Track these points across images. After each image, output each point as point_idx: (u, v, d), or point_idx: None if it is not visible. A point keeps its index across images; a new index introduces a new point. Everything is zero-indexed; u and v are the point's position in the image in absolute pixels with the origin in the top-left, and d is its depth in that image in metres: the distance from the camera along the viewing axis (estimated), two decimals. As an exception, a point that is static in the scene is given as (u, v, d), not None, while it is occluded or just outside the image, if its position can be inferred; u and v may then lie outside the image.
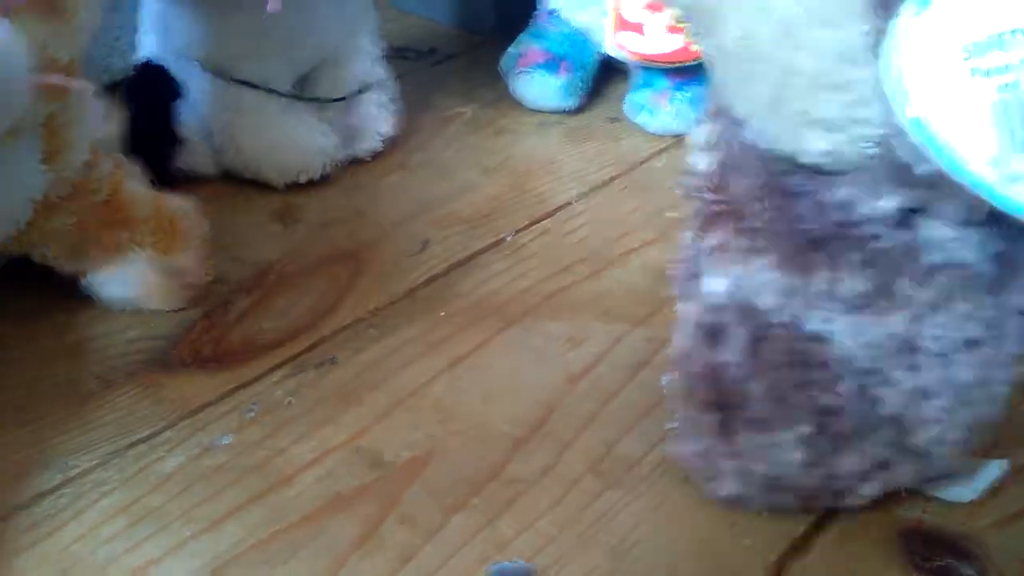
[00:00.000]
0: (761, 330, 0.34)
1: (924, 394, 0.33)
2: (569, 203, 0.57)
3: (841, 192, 0.32)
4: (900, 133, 0.26)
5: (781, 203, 0.34)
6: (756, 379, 0.34)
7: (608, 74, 0.69)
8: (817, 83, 0.28)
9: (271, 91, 0.58)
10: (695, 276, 0.38)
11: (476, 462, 0.40)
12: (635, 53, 0.64)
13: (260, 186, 0.57)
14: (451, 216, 0.56)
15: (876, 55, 0.26)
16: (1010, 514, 0.37)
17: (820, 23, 0.27)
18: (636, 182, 0.59)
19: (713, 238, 0.36)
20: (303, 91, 0.61)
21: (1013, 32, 0.23)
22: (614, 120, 0.66)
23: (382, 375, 0.44)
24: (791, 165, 0.33)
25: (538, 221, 0.55)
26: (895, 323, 0.32)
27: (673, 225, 0.54)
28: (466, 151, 0.63)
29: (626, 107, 0.66)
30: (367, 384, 0.44)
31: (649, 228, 0.54)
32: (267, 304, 0.49)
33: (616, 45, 0.64)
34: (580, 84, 0.66)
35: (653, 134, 0.63)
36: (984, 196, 0.24)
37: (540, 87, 0.66)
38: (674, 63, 0.63)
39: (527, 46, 0.67)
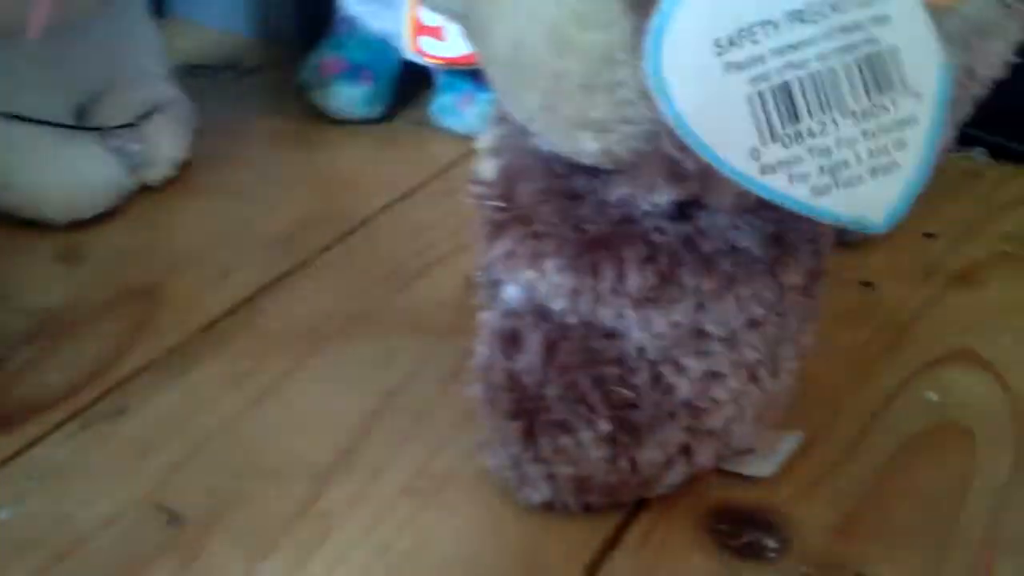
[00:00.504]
0: (556, 332, 0.34)
1: (714, 377, 0.34)
2: (376, 215, 0.55)
3: (620, 191, 0.33)
4: (667, 130, 0.26)
5: (565, 205, 0.34)
6: (553, 382, 0.34)
7: (414, 79, 0.67)
8: (586, 86, 0.28)
9: (46, 122, 0.54)
10: (494, 284, 0.38)
11: (283, 500, 0.38)
12: (436, 57, 0.63)
13: (39, 226, 0.53)
14: (253, 240, 0.53)
15: (638, 54, 0.26)
16: (809, 484, 0.38)
17: (586, 27, 0.27)
18: (445, 188, 0.58)
19: (502, 245, 0.35)
20: (84, 120, 0.57)
21: (763, 24, 0.23)
22: (422, 125, 0.65)
23: (180, 420, 0.42)
24: (571, 167, 0.33)
25: (345, 237, 0.54)
26: (681, 312, 0.33)
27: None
28: (269, 169, 0.60)
29: (432, 112, 0.65)
30: (163, 432, 0.41)
31: (460, 234, 0.54)
32: (50, 355, 0.45)
33: (416, 50, 0.63)
34: (384, 92, 0.65)
35: (460, 137, 0.63)
36: (747, 186, 0.24)
37: (342, 97, 0.64)
38: (476, 65, 0.62)
39: (326, 56, 0.65)
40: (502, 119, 0.38)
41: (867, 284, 0.48)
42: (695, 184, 0.29)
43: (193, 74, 0.72)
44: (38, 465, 0.40)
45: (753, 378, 0.34)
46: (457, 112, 0.63)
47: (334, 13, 0.68)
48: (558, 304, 0.34)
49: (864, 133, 0.23)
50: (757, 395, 0.35)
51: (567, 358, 0.34)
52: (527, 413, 0.35)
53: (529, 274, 0.34)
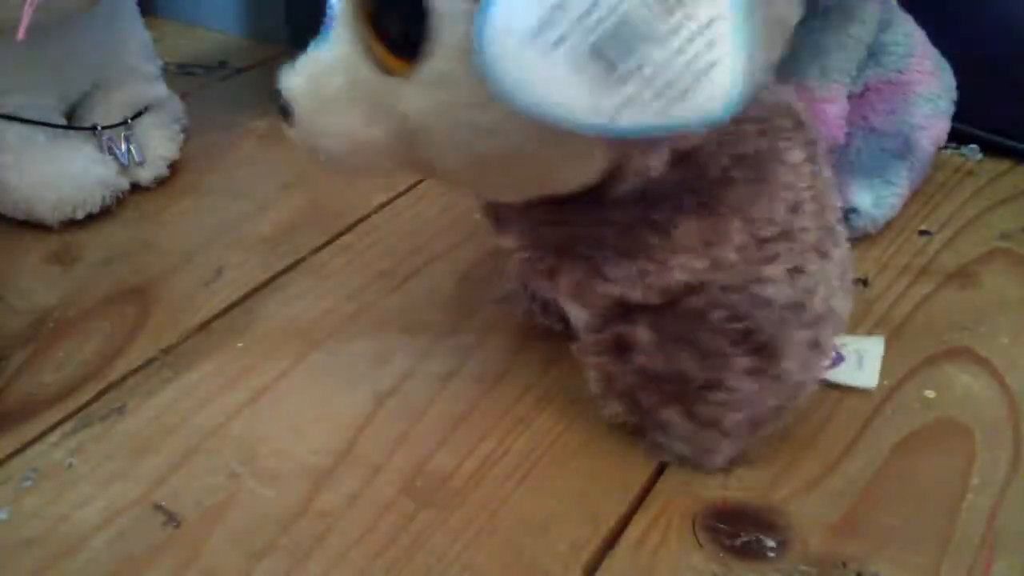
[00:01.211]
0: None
1: (796, 271, 0.36)
2: (371, 214, 0.55)
3: (620, 188, 0.34)
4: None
5: None
6: (683, 352, 0.37)
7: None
8: (536, 142, 0.30)
9: (37, 122, 0.54)
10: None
11: (282, 500, 0.38)
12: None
13: (33, 226, 0.53)
14: (247, 239, 0.53)
15: None
16: (807, 482, 0.38)
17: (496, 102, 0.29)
18: (440, 186, 0.58)
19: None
20: (75, 120, 0.57)
21: (555, 7, 0.25)
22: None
23: (177, 419, 0.42)
24: None
25: (339, 236, 0.53)
26: (737, 235, 0.35)
27: (479, 227, 0.54)
28: (262, 168, 0.60)
29: (425, 109, 0.65)
30: (160, 431, 0.41)
31: (454, 231, 0.53)
32: (46, 355, 0.45)
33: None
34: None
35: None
36: (608, 134, 0.27)
37: (334, 96, 0.63)
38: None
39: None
40: None
41: (862, 282, 0.49)
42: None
43: (183, 74, 0.72)
44: (35, 465, 0.39)
45: (820, 252, 0.36)
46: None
47: (324, 11, 0.67)
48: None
49: (675, 51, 0.26)
50: (832, 267, 0.36)
51: (684, 327, 0.36)
52: (676, 396, 0.36)
53: None
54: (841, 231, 0.38)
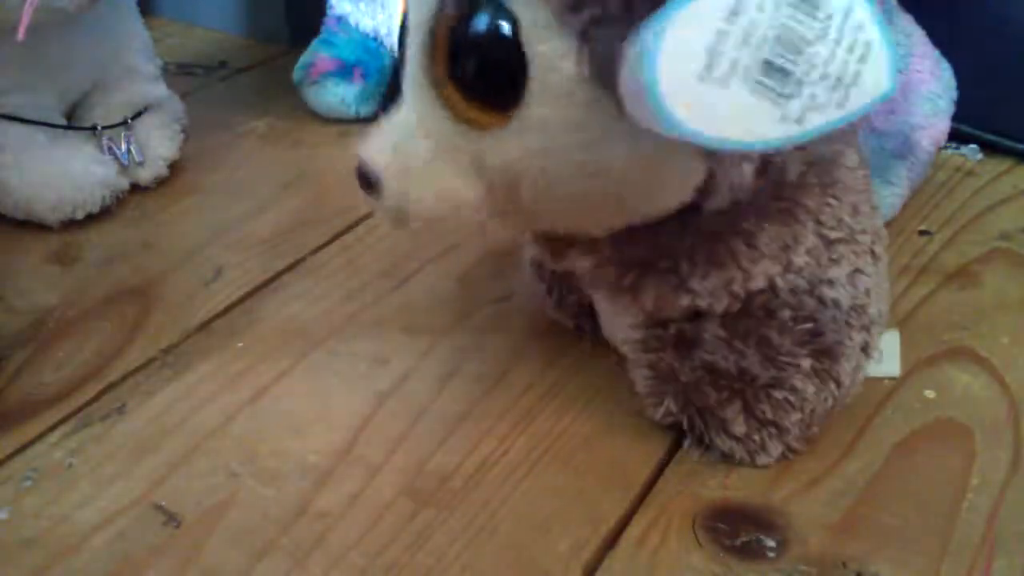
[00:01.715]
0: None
1: (857, 272, 0.37)
2: (370, 214, 0.55)
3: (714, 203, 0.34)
4: None
5: None
6: (749, 352, 0.37)
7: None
8: (643, 174, 0.31)
9: (37, 122, 0.54)
10: None
11: (282, 500, 0.38)
12: (428, 54, 0.63)
13: (33, 226, 0.53)
14: (247, 239, 0.53)
15: None
16: (808, 481, 0.38)
17: (606, 141, 0.29)
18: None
19: None
20: (75, 119, 0.57)
21: (718, 36, 0.25)
22: (415, 123, 0.64)
23: (177, 419, 0.42)
24: None
25: (339, 236, 0.53)
26: (810, 238, 0.36)
27: (482, 228, 0.54)
28: (261, 168, 0.60)
29: (425, 109, 0.65)
30: (160, 431, 0.41)
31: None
32: (46, 355, 0.45)
33: (408, 48, 0.63)
34: (376, 90, 0.65)
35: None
36: (798, 142, 0.27)
37: (334, 96, 0.64)
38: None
39: (317, 55, 0.65)
40: None
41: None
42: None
43: (183, 73, 0.72)
44: (35, 465, 0.39)
45: (874, 255, 0.37)
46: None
47: (324, 11, 0.67)
48: None
49: (835, 42, 0.26)
50: (881, 268, 0.38)
51: (752, 326, 0.36)
52: (739, 394, 0.37)
53: None
54: (885, 234, 0.39)
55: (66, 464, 0.39)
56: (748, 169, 0.32)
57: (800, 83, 0.26)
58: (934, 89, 0.53)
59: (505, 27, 0.29)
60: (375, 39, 0.65)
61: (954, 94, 0.54)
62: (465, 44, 0.30)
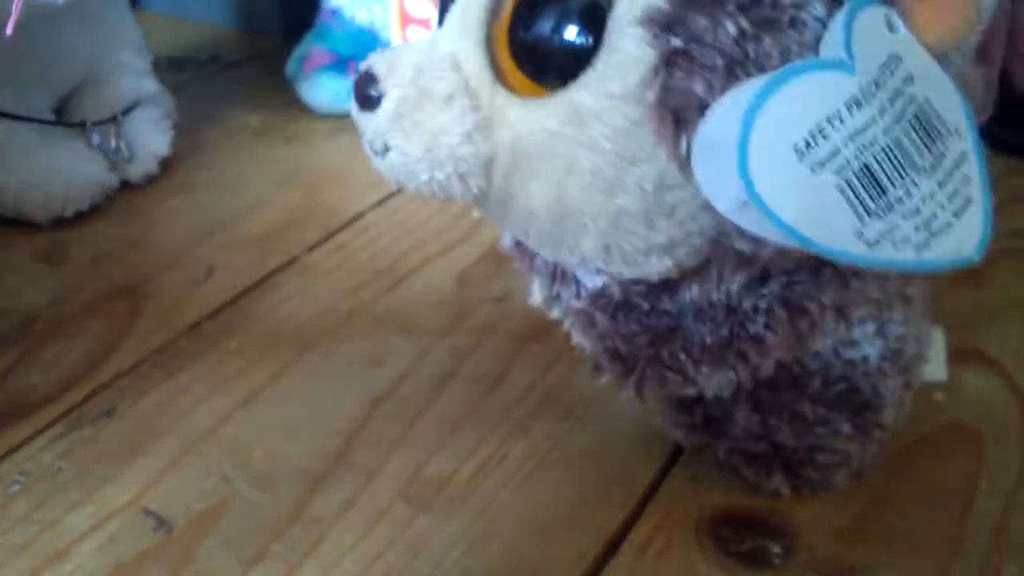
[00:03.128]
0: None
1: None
2: (365, 212, 0.54)
3: (689, 294, 0.32)
4: (735, 231, 0.27)
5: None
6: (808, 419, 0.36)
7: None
8: (646, 218, 0.28)
9: (24, 118, 0.53)
10: None
11: (275, 505, 0.37)
12: (424, 49, 0.62)
13: (21, 225, 0.52)
14: (239, 237, 0.52)
15: (687, 173, 0.26)
16: (814, 487, 0.37)
17: (630, 163, 0.27)
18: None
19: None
20: (64, 115, 0.56)
21: (829, 119, 0.24)
22: (411, 119, 0.64)
23: (168, 421, 0.41)
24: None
25: (333, 234, 0.52)
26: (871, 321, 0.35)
27: (477, 226, 0.53)
28: (254, 164, 0.59)
29: (421, 105, 0.64)
30: (151, 433, 0.40)
31: (452, 230, 0.53)
32: (35, 356, 0.44)
33: (404, 42, 0.62)
34: (371, 85, 0.64)
35: (451, 131, 0.62)
36: (858, 264, 0.25)
37: (328, 90, 0.63)
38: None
39: (311, 48, 0.64)
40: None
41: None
42: (769, 261, 0.30)
43: (174, 68, 0.71)
44: (23, 469, 0.38)
45: (904, 299, 0.35)
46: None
47: (318, 4, 0.66)
48: None
49: (938, 184, 0.25)
50: (915, 306, 0.36)
51: (781, 402, 0.35)
52: (781, 465, 0.36)
53: None
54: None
55: (55, 468, 0.38)
56: (741, 277, 0.30)
57: (889, 207, 0.24)
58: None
59: (597, 7, 0.26)
60: (370, 32, 0.64)
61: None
62: (541, 10, 0.27)
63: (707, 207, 0.27)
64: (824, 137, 0.23)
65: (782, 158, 0.23)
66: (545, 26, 0.27)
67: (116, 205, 0.55)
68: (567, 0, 0.27)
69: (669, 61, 0.25)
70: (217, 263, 0.50)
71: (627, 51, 0.26)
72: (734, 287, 0.31)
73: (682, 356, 0.32)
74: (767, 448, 0.36)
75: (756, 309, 0.31)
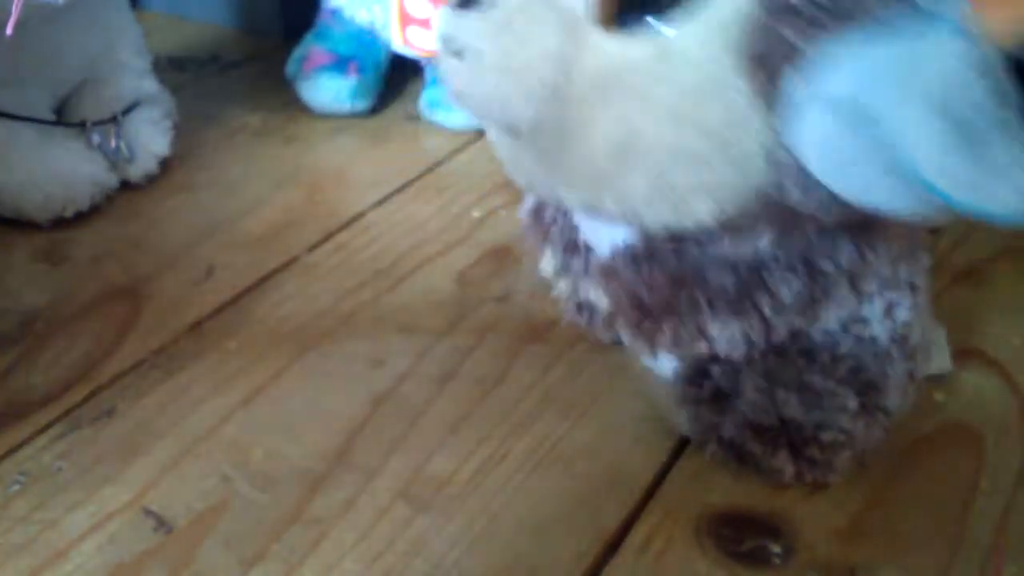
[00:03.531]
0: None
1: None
2: (365, 212, 0.54)
3: (723, 245, 0.32)
4: (794, 180, 0.28)
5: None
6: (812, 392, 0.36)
7: (403, 72, 0.66)
8: (709, 155, 0.28)
9: (24, 118, 0.53)
10: None
11: (275, 505, 0.37)
12: (424, 49, 0.62)
13: (21, 225, 0.52)
14: (239, 237, 0.52)
15: (763, 119, 0.27)
16: (814, 485, 0.37)
17: (704, 101, 0.27)
18: (437, 183, 0.57)
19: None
20: (64, 115, 0.56)
21: (957, 77, 0.24)
22: (412, 120, 0.64)
23: (168, 421, 0.41)
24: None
25: (333, 234, 0.52)
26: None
27: (477, 225, 0.53)
28: (254, 165, 0.59)
29: (422, 105, 0.64)
30: (151, 433, 0.40)
31: (452, 230, 0.53)
32: (35, 356, 0.44)
33: (404, 42, 0.62)
34: (371, 84, 0.64)
35: (452, 131, 0.62)
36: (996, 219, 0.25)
37: (328, 90, 0.63)
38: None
39: (311, 48, 0.64)
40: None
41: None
42: (807, 219, 0.30)
43: (174, 68, 0.71)
44: (23, 469, 0.38)
45: (912, 288, 0.36)
46: (446, 105, 0.62)
47: (318, 4, 0.66)
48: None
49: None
50: (921, 298, 0.36)
51: (789, 373, 0.35)
52: (786, 441, 0.36)
53: None
54: (927, 262, 0.37)
55: (55, 468, 0.38)
56: (771, 233, 0.31)
57: (1010, 159, 0.24)
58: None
59: None
60: (370, 32, 0.64)
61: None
62: None
63: (768, 156, 0.27)
64: (958, 97, 0.23)
65: (925, 120, 0.23)
66: None
67: (116, 205, 0.55)
68: None
69: (770, 7, 0.25)
70: (217, 263, 0.50)
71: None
72: (763, 243, 0.31)
73: (700, 301, 0.33)
74: (774, 421, 0.36)
75: (776, 260, 0.32)
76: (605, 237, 0.35)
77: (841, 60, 0.24)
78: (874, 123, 0.24)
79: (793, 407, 0.35)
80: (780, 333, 0.33)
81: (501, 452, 0.39)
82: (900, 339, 0.35)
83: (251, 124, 0.64)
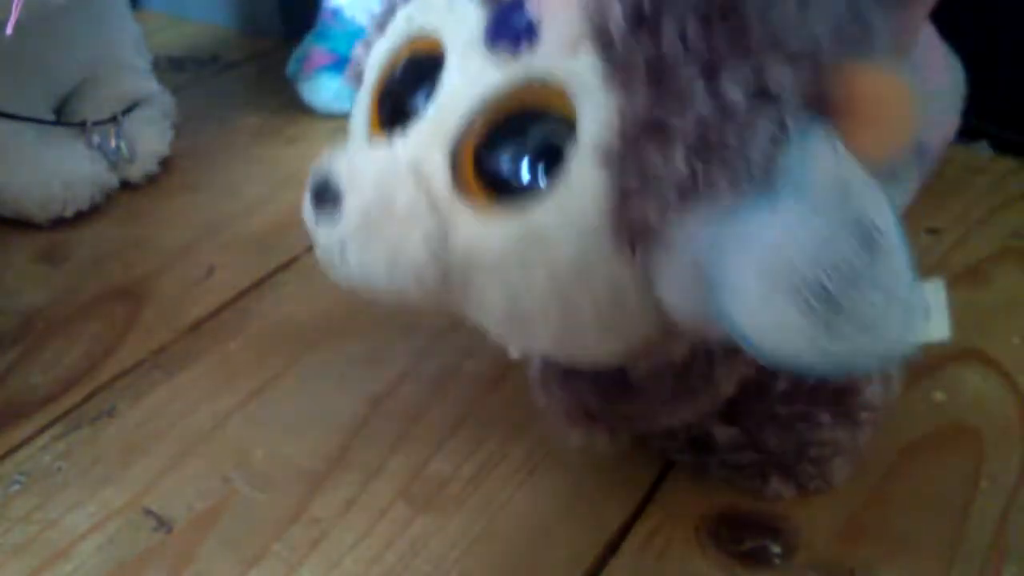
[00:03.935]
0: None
1: None
2: (366, 212, 0.54)
3: (639, 366, 0.32)
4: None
5: None
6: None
7: (402, 72, 0.66)
8: (601, 324, 0.28)
9: (24, 118, 0.53)
10: None
11: (275, 505, 0.37)
12: (424, 49, 0.62)
13: (21, 224, 0.52)
14: (239, 237, 0.52)
15: (642, 278, 0.27)
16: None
17: (585, 279, 0.27)
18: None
19: None
20: (64, 115, 0.56)
21: (792, 245, 0.24)
22: (411, 119, 0.64)
23: (168, 421, 0.41)
24: None
25: (333, 234, 0.52)
26: None
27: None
28: (254, 165, 0.59)
29: (421, 105, 0.64)
30: (151, 434, 0.40)
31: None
32: (35, 356, 0.44)
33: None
34: (372, 85, 0.64)
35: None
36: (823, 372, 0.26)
37: (328, 91, 0.63)
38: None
39: (312, 48, 0.64)
40: None
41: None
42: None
43: (174, 68, 0.71)
44: (23, 469, 0.39)
45: None
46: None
47: (319, 4, 0.66)
48: None
49: (884, 292, 0.25)
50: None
51: (755, 410, 0.35)
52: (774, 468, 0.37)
53: None
54: None
55: (55, 468, 0.39)
56: (684, 348, 0.31)
57: (848, 320, 0.25)
58: (943, 85, 0.52)
59: (559, 143, 0.27)
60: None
61: (964, 90, 0.53)
62: (508, 138, 0.28)
63: (661, 312, 0.27)
64: (791, 264, 0.24)
65: (754, 287, 0.24)
66: (511, 153, 0.27)
67: (116, 205, 0.55)
68: (534, 131, 0.27)
69: (624, 193, 0.26)
70: (217, 263, 0.50)
71: (584, 180, 0.26)
72: (676, 356, 0.31)
73: (640, 407, 0.33)
74: (755, 456, 0.36)
75: (695, 355, 0.32)
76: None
77: (690, 232, 0.25)
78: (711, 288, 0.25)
79: (768, 439, 0.35)
80: (729, 390, 0.33)
81: (501, 452, 0.39)
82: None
83: (251, 124, 0.64)
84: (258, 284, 0.49)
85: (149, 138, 0.56)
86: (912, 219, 0.54)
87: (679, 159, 0.25)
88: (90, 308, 0.47)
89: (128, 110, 0.56)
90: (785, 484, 0.36)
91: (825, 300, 0.24)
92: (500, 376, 0.43)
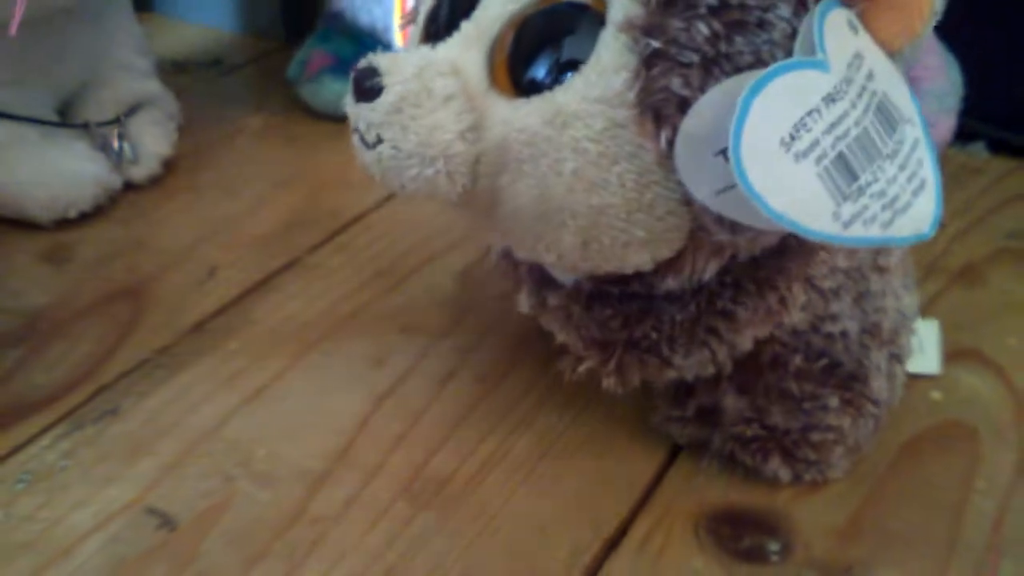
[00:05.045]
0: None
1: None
2: (367, 213, 0.54)
3: (667, 283, 0.33)
4: (712, 220, 0.28)
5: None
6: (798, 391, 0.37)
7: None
8: (628, 212, 0.29)
9: (27, 119, 0.53)
10: None
11: (277, 503, 0.37)
12: (425, 51, 0.62)
13: (24, 225, 0.52)
14: (241, 238, 0.53)
15: (668, 169, 0.28)
16: (812, 484, 0.38)
17: (612, 162, 0.28)
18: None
19: None
20: (67, 116, 0.56)
21: (809, 113, 0.26)
22: (412, 120, 0.64)
23: (171, 421, 0.41)
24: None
25: (335, 235, 0.53)
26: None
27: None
28: (256, 166, 0.59)
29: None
30: (154, 433, 0.40)
31: (454, 230, 0.53)
32: (38, 356, 0.44)
33: (406, 44, 0.62)
34: (373, 86, 0.64)
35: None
36: (834, 243, 0.28)
37: (330, 93, 0.63)
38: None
39: (313, 51, 0.64)
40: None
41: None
42: (742, 248, 0.31)
43: (177, 70, 0.71)
44: (28, 468, 0.39)
45: (879, 269, 0.36)
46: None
47: (320, 7, 0.67)
48: None
49: (899, 167, 0.27)
50: (892, 275, 0.37)
51: (767, 381, 0.36)
52: (776, 447, 0.37)
53: None
54: None
55: (59, 467, 0.39)
56: (714, 266, 0.31)
57: (861, 190, 0.26)
58: (941, 86, 0.52)
59: (588, 22, 0.28)
60: (372, 35, 0.64)
61: (961, 91, 0.53)
62: (539, 34, 0.29)
63: (686, 202, 0.28)
64: (807, 130, 0.25)
65: (770, 150, 0.25)
66: (543, 54, 0.29)
67: (119, 206, 0.55)
68: (563, 20, 0.29)
69: (649, 62, 0.27)
70: (219, 263, 0.50)
71: (611, 59, 0.28)
72: (706, 276, 0.32)
73: (654, 335, 0.33)
74: (760, 431, 0.36)
75: (723, 284, 0.32)
76: (562, 275, 0.35)
77: (704, 103, 0.26)
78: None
79: (775, 415, 0.36)
80: (746, 345, 0.34)
81: (502, 451, 0.39)
82: (873, 327, 0.36)
83: (253, 126, 0.64)
84: (260, 284, 0.49)
85: (152, 139, 0.57)
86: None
87: (702, 27, 0.26)
88: (93, 308, 0.47)
89: (131, 111, 0.56)
90: (783, 467, 0.37)
91: (843, 168, 0.26)
92: (500, 376, 0.43)
